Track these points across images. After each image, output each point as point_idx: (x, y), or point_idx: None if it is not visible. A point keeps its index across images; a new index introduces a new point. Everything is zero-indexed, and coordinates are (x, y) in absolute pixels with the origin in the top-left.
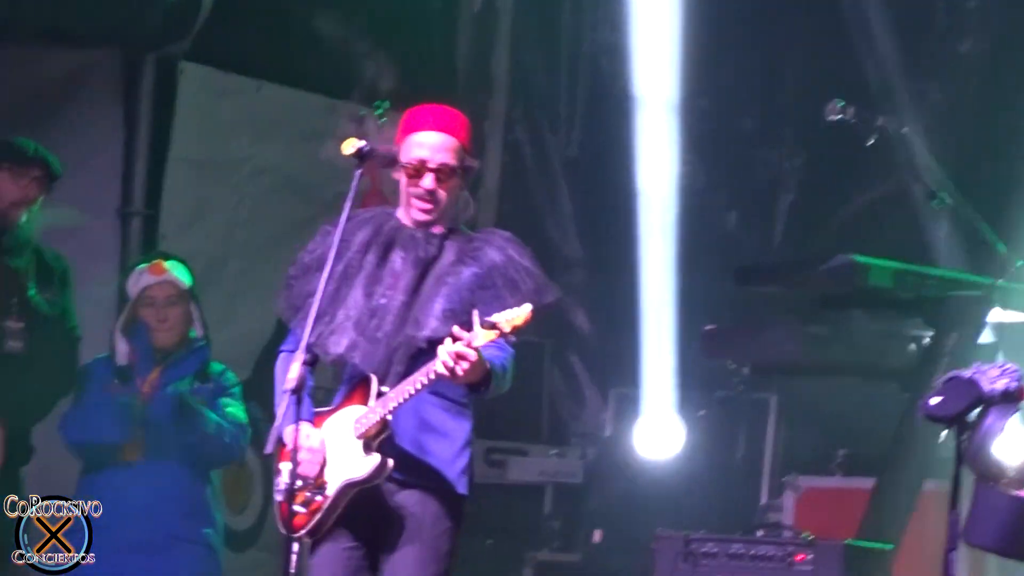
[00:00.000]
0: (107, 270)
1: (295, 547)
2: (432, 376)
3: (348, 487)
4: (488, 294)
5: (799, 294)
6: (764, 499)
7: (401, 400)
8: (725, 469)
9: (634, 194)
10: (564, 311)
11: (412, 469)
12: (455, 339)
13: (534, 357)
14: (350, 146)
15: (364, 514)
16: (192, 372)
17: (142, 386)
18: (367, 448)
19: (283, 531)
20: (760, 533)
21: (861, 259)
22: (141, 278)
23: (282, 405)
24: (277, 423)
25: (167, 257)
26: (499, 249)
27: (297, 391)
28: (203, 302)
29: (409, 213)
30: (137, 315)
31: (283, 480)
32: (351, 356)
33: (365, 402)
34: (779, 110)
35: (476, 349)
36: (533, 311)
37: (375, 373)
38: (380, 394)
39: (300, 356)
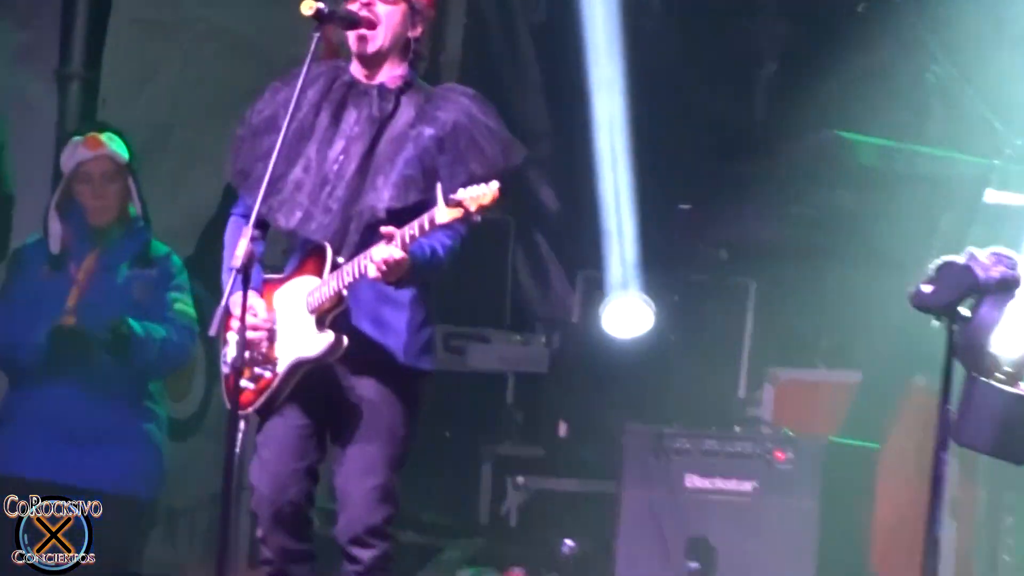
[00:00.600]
0: (43, 137)
1: (241, 425)
2: (363, 271)
3: (299, 365)
4: (449, 157)
5: (781, 172)
6: (742, 392)
7: (357, 275)
8: (700, 359)
9: (604, 63)
10: (530, 186)
11: (369, 345)
12: (388, 238)
13: (497, 236)
14: (308, 7)
15: (316, 392)
16: (132, 256)
17: (76, 273)
18: (320, 324)
19: (229, 406)
20: (737, 428)
21: (848, 134)
22: (76, 152)
23: (228, 283)
24: (223, 302)
25: (103, 129)
26: (461, 107)
27: (244, 270)
28: (146, 174)
29: (356, 58)
30: (72, 192)
31: (231, 352)
32: (304, 229)
33: (318, 273)
34: None
35: (407, 254)
36: (501, 185)
37: (329, 243)
38: (335, 265)
39: (248, 232)
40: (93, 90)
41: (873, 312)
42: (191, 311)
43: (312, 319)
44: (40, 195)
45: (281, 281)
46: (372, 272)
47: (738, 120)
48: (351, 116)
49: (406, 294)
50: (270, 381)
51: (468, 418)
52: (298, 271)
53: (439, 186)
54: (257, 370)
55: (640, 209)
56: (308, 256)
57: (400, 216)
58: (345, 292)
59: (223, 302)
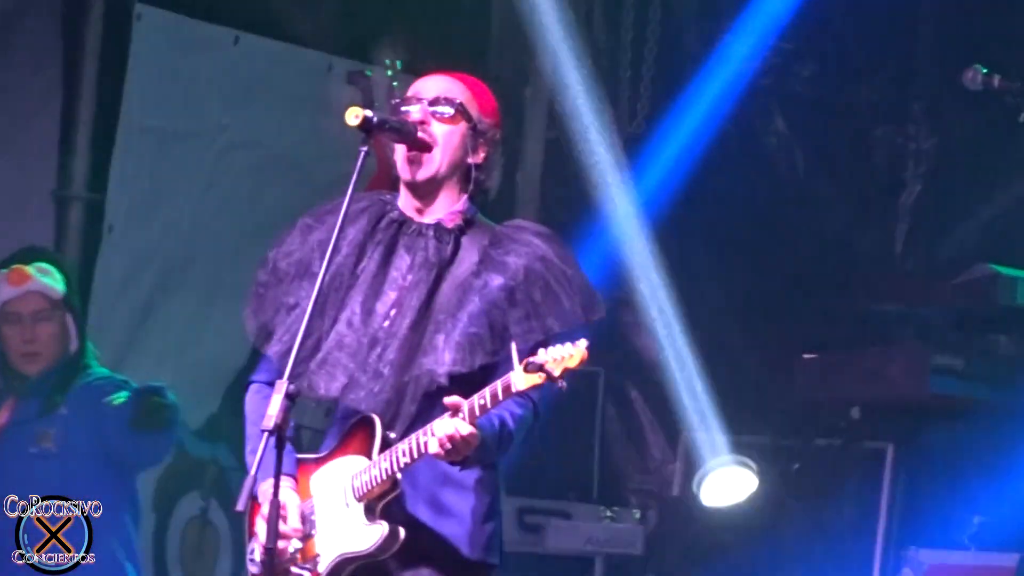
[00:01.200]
0: None
1: None
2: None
3: (345, 562)
4: (522, 312)
5: (927, 313)
6: None
7: (415, 456)
8: (827, 538)
9: (715, 182)
10: (624, 332)
11: (426, 536)
12: (453, 411)
13: (584, 391)
14: (354, 115)
15: None
16: (46, 402)
17: None
18: (370, 513)
19: None
20: None
21: (1006, 271)
22: (1, 290)
23: (257, 451)
24: (251, 473)
25: (34, 258)
26: (534, 250)
27: (277, 432)
28: (160, 314)
29: (406, 187)
30: None
31: (258, 550)
32: (349, 398)
33: (366, 452)
34: (905, 77)
35: (475, 428)
36: (588, 346)
37: (379, 415)
38: (386, 442)
39: (282, 387)
40: (98, 214)
41: None
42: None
43: (360, 507)
44: None
45: (320, 461)
46: (434, 448)
47: (875, 252)
48: (403, 262)
49: (471, 475)
50: None
51: None
52: (341, 449)
53: (513, 347)
54: (294, 570)
55: (755, 359)
56: (353, 431)
57: (464, 383)
58: (399, 475)
59: (252, 470)
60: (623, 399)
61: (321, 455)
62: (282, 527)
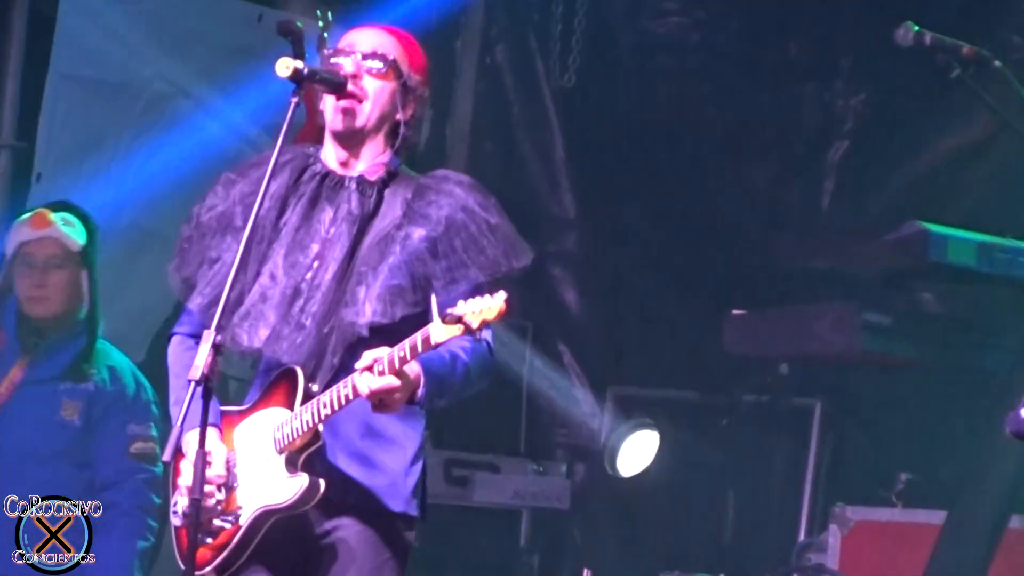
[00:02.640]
0: None
1: None
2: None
3: (266, 515)
4: (445, 263)
5: (857, 270)
6: (803, 535)
7: (336, 407)
8: (754, 495)
9: (644, 137)
10: (552, 286)
11: (349, 488)
12: (365, 366)
13: (511, 344)
14: (284, 67)
15: (286, 544)
16: (64, 367)
17: None
18: (291, 465)
19: (182, 566)
20: None
21: (936, 228)
22: (19, 232)
23: (183, 401)
24: (176, 424)
25: (59, 207)
26: (456, 200)
27: (204, 382)
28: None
29: (332, 137)
30: (11, 281)
31: (182, 501)
32: (272, 349)
33: (288, 404)
34: (832, 33)
35: (399, 372)
36: (507, 297)
37: (301, 367)
38: (307, 394)
39: (209, 337)
40: (26, 163)
41: (962, 440)
42: (156, 449)
43: (282, 460)
44: None
45: (243, 413)
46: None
47: (803, 208)
48: (325, 215)
49: (395, 426)
50: (231, 535)
51: (474, 564)
52: (263, 401)
53: (433, 299)
54: (216, 522)
55: (682, 314)
56: (276, 383)
57: (386, 334)
58: (321, 427)
59: (177, 422)
60: (551, 352)
61: (244, 407)
62: (207, 474)
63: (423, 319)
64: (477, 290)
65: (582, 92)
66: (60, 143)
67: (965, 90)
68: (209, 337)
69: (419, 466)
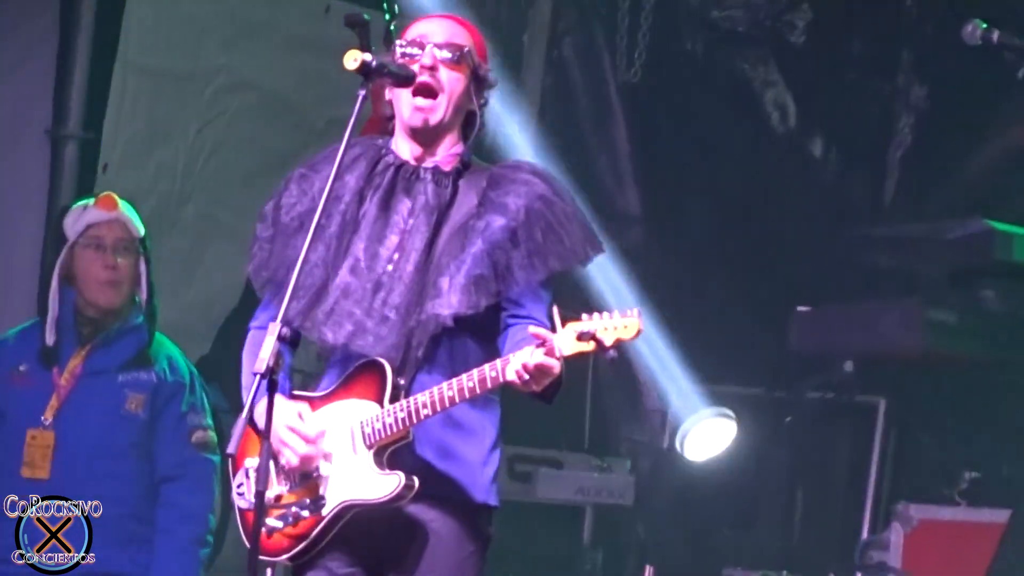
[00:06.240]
0: (32, 210)
1: (268, 573)
2: (490, 384)
3: (351, 507)
4: (524, 252)
5: (920, 268)
6: (866, 533)
7: (439, 408)
8: (817, 493)
9: (709, 133)
10: (615, 280)
11: (432, 477)
12: (539, 341)
13: None
14: (352, 59)
15: (365, 530)
16: (127, 358)
17: (58, 377)
18: (379, 460)
19: (251, 550)
20: None
21: (1001, 226)
22: (86, 214)
23: (250, 391)
24: (243, 415)
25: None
26: (533, 190)
27: (270, 374)
28: (154, 253)
29: (407, 132)
30: (72, 266)
31: (250, 483)
32: (356, 344)
33: (375, 397)
34: (896, 29)
35: (560, 359)
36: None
37: (388, 360)
38: (396, 387)
39: (274, 329)
40: (92, 154)
41: None
42: (213, 438)
43: (370, 455)
44: (27, 279)
45: (319, 401)
46: (511, 376)
47: (865, 204)
48: (403, 206)
49: (476, 418)
50: (311, 525)
51: (537, 560)
52: (343, 391)
53: (556, 310)
54: (294, 509)
55: (747, 310)
56: (358, 374)
57: (469, 324)
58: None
59: (244, 412)
60: (616, 348)
61: (320, 394)
62: (301, 431)
63: (501, 308)
64: (552, 279)
65: (648, 87)
66: (126, 134)
67: None
68: (275, 329)
69: (496, 455)
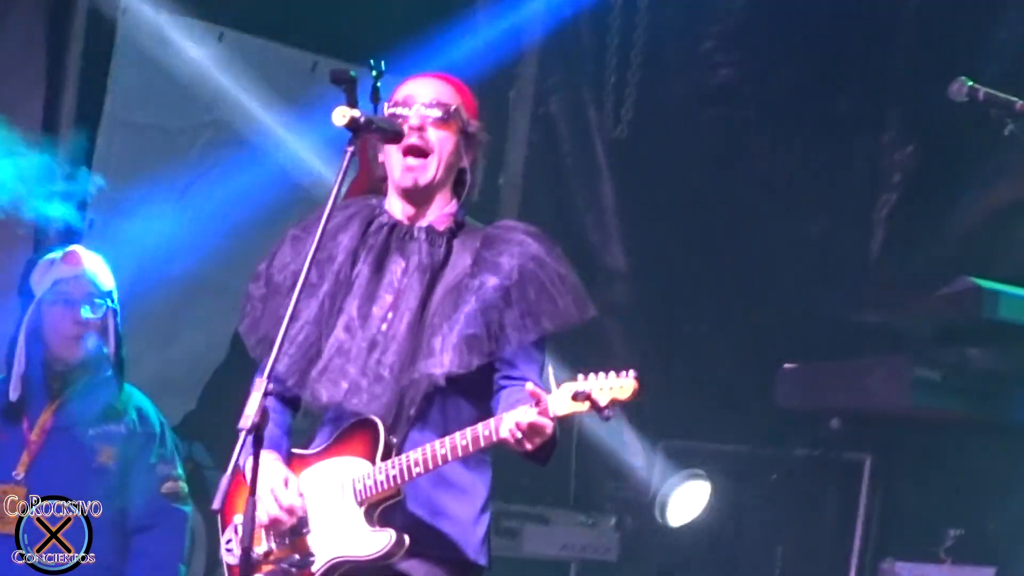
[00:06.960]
0: (14, 266)
1: None
2: (483, 443)
3: (341, 564)
4: (517, 312)
5: (906, 325)
6: None
7: (431, 466)
8: (803, 549)
9: (695, 189)
10: (602, 337)
11: (423, 535)
12: (535, 400)
13: None
14: (341, 115)
15: None
16: (97, 412)
17: (29, 432)
18: (370, 517)
19: None
20: None
21: (987, 284)
22: (53, 270)
23: (237, 448)
24: (228, 472)
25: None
26: (526, 250)
27: (256, 430)
28: (136, 307)
29: (399, 192)
30: (41, 320)
31: (238, 538)
32: (351, 402)
33: (367, 455)
34: (884, 88)
35: (554, 419)
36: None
37: (381, 418)
38: (388, 446)
39: (260, 385)
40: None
41: (1012, 497)
42: (183, 488)
43: (360, 512)
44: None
45: (312, 458)
46: (503, 434)
47: (852, 262)
48: (397, 266)
49: (467, 477)
50: None
51: None
52: (335, 448)
53: (551, 371)
54: (284, 565)
55: (733, 367)
56: (350, 432)
57: (461, 384)
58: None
59: (226, 477)
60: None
61: (312, 452)
62: (279, 497)
63: (493, 369)
64: (544, 340)
65: (634, 144)
66: (113, 189)
67: (1018, 145)
68: (261, 385)
69: (487, 515)
